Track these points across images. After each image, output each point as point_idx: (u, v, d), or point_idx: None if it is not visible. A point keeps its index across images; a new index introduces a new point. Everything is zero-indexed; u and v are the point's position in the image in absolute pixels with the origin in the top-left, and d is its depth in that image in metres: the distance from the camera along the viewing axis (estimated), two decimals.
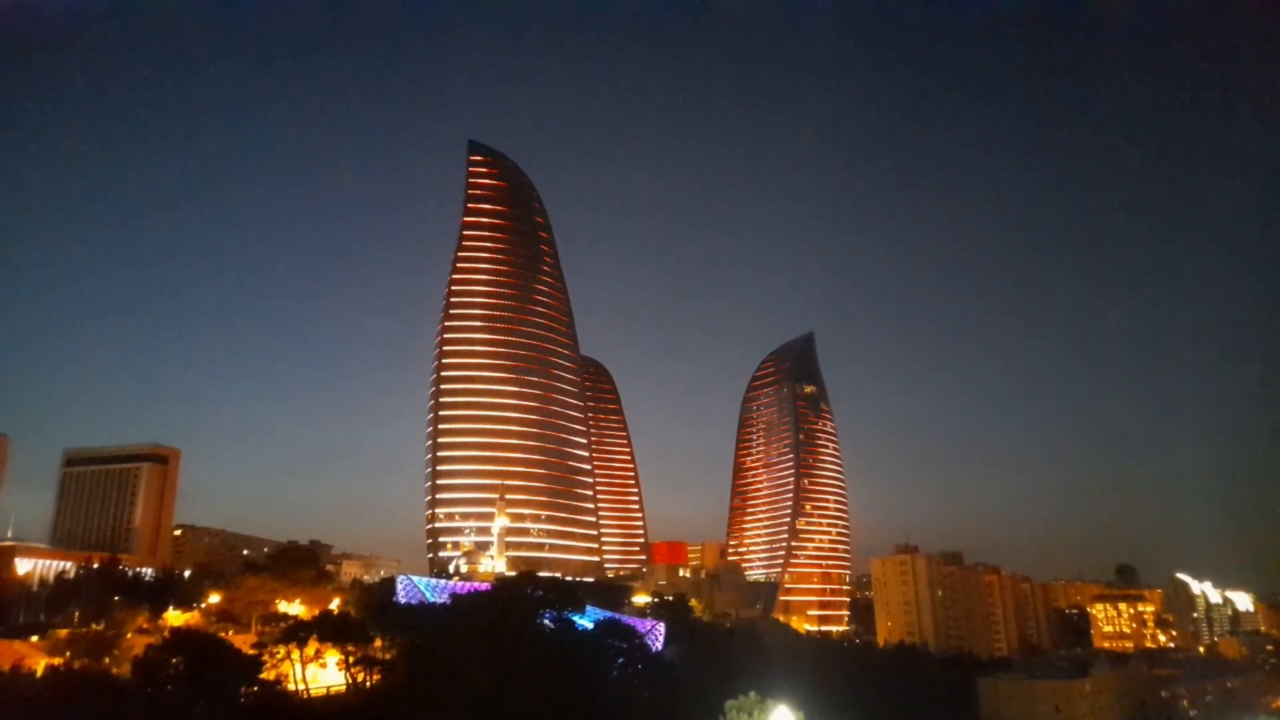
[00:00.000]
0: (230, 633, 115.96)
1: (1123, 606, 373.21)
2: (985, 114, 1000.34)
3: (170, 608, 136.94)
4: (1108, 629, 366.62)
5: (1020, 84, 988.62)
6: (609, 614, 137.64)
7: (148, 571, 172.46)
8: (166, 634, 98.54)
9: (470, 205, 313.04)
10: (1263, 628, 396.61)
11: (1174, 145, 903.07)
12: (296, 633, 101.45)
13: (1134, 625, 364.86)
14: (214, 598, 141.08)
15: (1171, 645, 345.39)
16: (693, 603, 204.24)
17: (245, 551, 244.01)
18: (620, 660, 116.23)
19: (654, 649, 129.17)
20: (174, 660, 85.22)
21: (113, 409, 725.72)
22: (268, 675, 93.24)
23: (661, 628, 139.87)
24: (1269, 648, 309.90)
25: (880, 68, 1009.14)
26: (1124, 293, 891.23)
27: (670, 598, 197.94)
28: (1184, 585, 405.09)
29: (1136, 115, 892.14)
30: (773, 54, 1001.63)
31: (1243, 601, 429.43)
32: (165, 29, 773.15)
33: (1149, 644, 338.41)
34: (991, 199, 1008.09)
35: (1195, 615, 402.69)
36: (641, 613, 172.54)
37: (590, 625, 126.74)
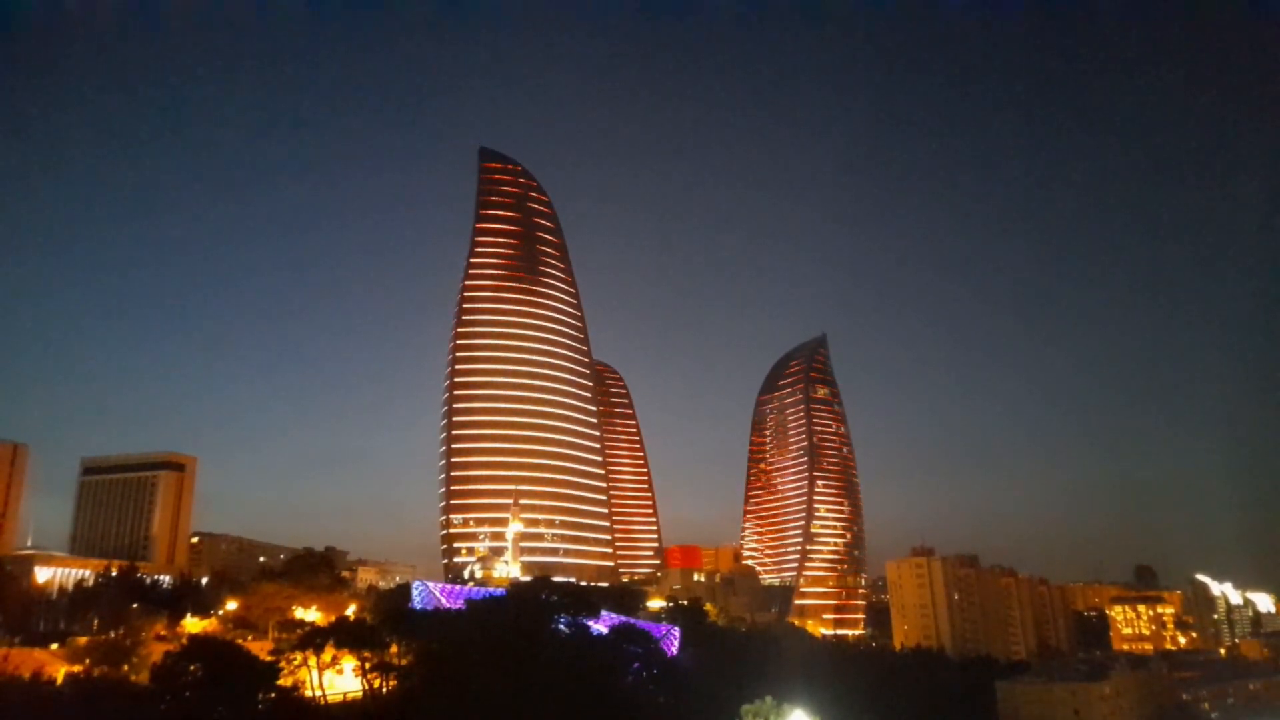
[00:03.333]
0: (247, 639, 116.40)
1: (1142, 608, 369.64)
2: (997, 116, 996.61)
3: (188, 615, 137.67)
4: (1127, 631, 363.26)
5: (1031, 85, 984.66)
6: (624, 618, 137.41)
7: (166, 579, 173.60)
8: (184, 641, 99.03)
9: (482, 211, 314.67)
10: None
11: (1187, 145, 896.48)
12: (313, 639, 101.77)
13: (1153, 627, 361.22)
14: (231, 605, 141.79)
15: (1192, 647, 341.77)
16: (707, 607, 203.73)
17: (261, 558, 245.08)
18: (635, 665, 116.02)
19: (669, 653, 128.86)
20: (192, 667, 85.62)
21: (129, 418, 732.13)
22: (285, 682, 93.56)
23: (677, 632, 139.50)
24: None
25: (893, 68, 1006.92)
26: (1142, 292, 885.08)
27: (685, 602, 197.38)
28: (1204, 586, 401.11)
29: (1145, 116, 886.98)
30: (785, 55, 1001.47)
31: (1264, 603, 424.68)
32: (178, 33, 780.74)
33: (1169, 646, 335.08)
34: (1005, 201, 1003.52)
35: (1216, 617, 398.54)
36: (656, 617, 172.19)
37: (605, 630, 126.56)
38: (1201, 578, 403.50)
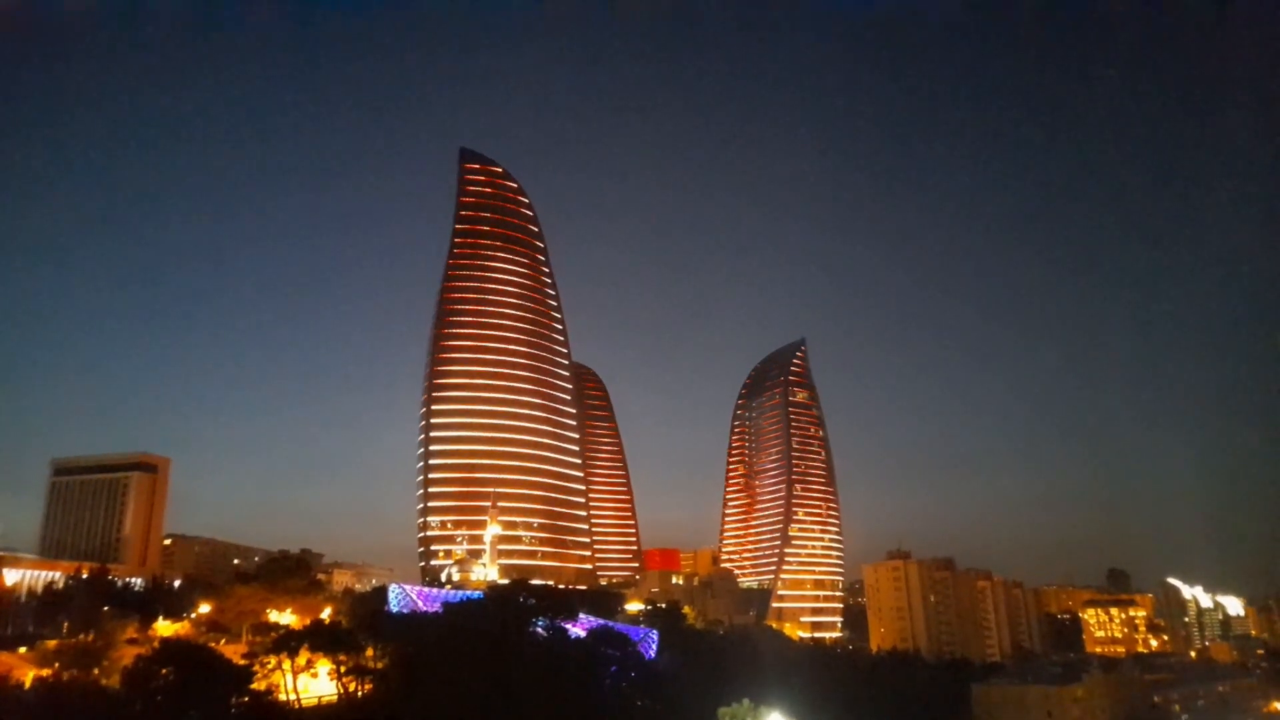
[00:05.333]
0: (221, 643, 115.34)
1: (1114, 611, 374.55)
2: (976, 119, 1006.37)
3: (160, 618, 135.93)
4: (1099, 634, 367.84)
5: (1012, 88, 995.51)
6: (601, 621, 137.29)
7: (137, 581, 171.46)
8: (156, 644, 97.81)
9: (462, 213, 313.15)
10: (1254, 631, 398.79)
11: (1166, 148, 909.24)
12: (287, 642, 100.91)
13: (1125, 630, 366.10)
14: (204, 607, 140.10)
15: (1163, 650, 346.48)
16: (685, 609, 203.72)
17: (236, 561, 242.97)
18: (613, 668, 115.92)
19: (647, 656, 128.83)
20: (164, 671, 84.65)
21: (102, 418, 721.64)
22: (258, 685, 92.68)
23: (655, 635, 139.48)
24: (1260, 651, 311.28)
25: (874, 72, 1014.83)
26: (1116, 297, 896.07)
27: (663, 605, 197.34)
28: (1175, 590, 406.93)
29: (1128, 118, 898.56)
30: (765, 60, 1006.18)
31: (1233, 606, 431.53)
32: (155, 39, 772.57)
33: (1140, 649, 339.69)
34: (983, 204, 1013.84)
35: (1186, 620, 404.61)
36: (634, 620, 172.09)
37: (583, 633, 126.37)
38: (1173, 581, 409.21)
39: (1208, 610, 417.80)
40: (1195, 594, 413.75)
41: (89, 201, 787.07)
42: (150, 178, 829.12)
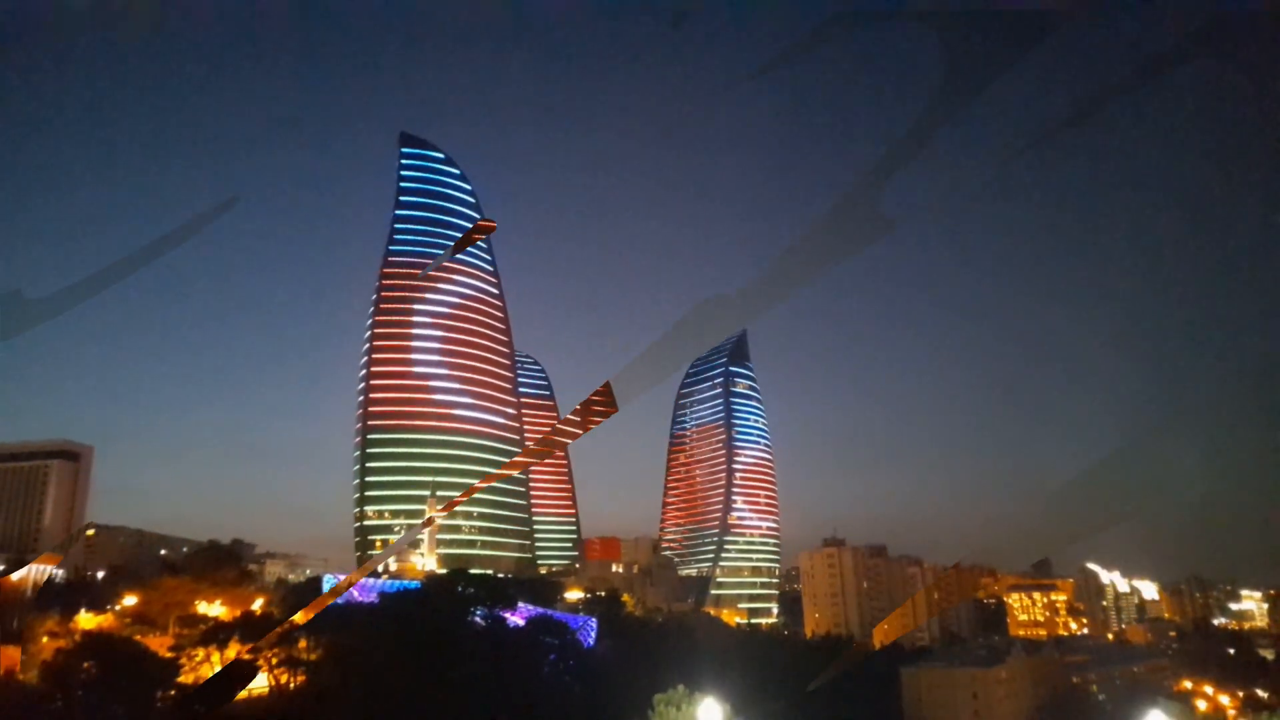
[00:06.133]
0: (146, 636, 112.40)
1: (1037, 596, 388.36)
2: (917, 122, 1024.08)
3: (82, 610, 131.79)
4: (1023, 617, 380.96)
5: (947, 88, 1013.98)
6: (541, 610, 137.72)
7: (58, 573, 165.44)
8: (78, 637, 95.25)
9: (402, 198, 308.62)
10: (1167, 614, 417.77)
11: (1122, 145, 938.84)
12: (216, 634, 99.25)
13: (1047, 614, 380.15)
14: (129, 600, 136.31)
15: (1083, 632, 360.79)
16: (625, 598, 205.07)
17: (163, 552, 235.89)
18: (552, 656, 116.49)
19: (586, 645, 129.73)
20: (86, 665, 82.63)
21: (22, 405, 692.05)
22: (185, 679, 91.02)
23: (594, 623, 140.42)
24: (1172, 633, 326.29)
25: (821, 61, 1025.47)
26: (1049, 293, 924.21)
27: (602, 593, 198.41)
28: (1094, 575, 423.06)
29: (1105, 107, 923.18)
30: (712, 53, 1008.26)
31: (1149, 590, 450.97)
32: (90, 28, 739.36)
33: (1061, 631, 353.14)
34: (917, 203, 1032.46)
35: (1104, 603, 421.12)
36: (574, 609, 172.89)
37: (522, 622, 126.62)
38: (1091, 566, 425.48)
39: (1124, 594, 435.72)
40: (1113, 579, 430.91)
41: (12, 185, 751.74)
42: (82, 161, 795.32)
